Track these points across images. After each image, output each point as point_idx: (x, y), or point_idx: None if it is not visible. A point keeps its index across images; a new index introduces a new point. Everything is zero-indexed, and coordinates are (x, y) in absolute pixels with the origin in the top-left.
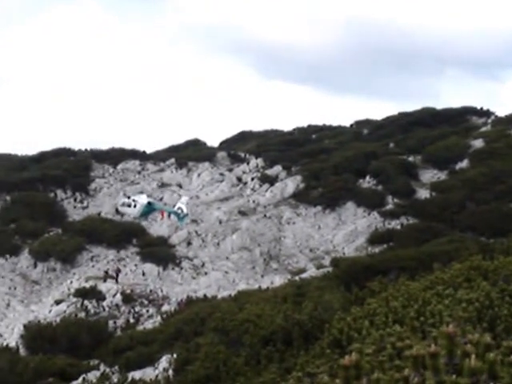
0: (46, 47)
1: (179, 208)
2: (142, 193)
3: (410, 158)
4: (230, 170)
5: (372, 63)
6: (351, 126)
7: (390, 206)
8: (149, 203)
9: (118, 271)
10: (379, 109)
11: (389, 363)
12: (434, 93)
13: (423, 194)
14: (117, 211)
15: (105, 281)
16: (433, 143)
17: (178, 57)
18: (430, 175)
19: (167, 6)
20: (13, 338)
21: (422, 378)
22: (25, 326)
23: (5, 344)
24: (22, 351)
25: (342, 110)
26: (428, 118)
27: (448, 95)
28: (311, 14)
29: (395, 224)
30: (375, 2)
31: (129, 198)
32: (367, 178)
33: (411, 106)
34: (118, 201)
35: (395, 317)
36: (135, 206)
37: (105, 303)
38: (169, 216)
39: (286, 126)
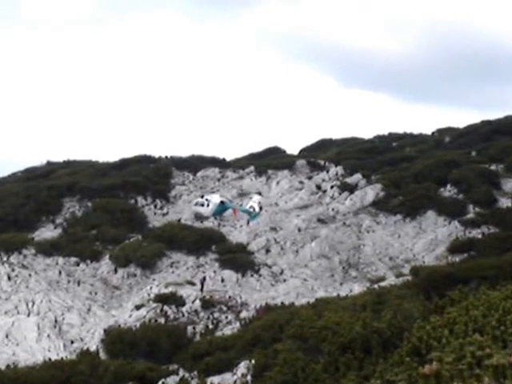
0: (124, 54)
1: (251, 206)
2: (214, 192)
3: (492, 167)
4: (310, 178)
5: (454, 69)
6: (433, 133)
7: (471, 215)
8: (221, 202)
9: (203, 280)
10: (461, 117)
11: (468, 372)
12: None
13: (505, 203)
14: (195, 217)
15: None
16: None
17: (256, 63)
18: None
19: (244, 12)
20: (93, 342)
21: None
22: (105, 331)
23: (85, 348)
24: (103, 355)
25: (423, 117)
26: (511, 127)
27: None
28: (390, 19)
29: (476, 233)
30: (458, 5)
31: (202, 197)
32: (448, 186)
33: (494, 114)
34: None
35: (475, 326)
36: (208, 206)
37: (184, 309)
38: (248, 223)
39: (366, 133)
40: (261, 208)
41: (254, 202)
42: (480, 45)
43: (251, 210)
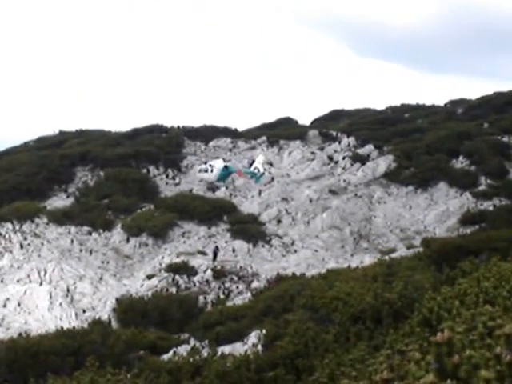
0: (136, 23)
1: (255, 168)
2: (218, 158)
3: (505, 139)
4: (322, 149)
5: (467, 41)
6: (445, 105)
7: (482, 187)
8: (225, 167)
9: (216, 249)
10: (474, 88)
11: (480, 342)
12: None
13: None
14: (208, 189)
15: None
16: None
17: (269, 33)
18: None
19: None
20: (105, 312)
21: None
22: (117, 300)
23: (97, 317)
24: (114, 324)
25: (436, 88)
26: None
27: None
28: None
29: (488, 205)
30: None
31: (205, 163)
32: (460, 158)
33: (507, 85)
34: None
35: (486, 297)
36: (212, 171)
37: (195, 279)
38: (260, 194)
39: (379, 104)
40: (271, 173)
41: (258, 162)
42: (494, 17)
43: (256, 171)
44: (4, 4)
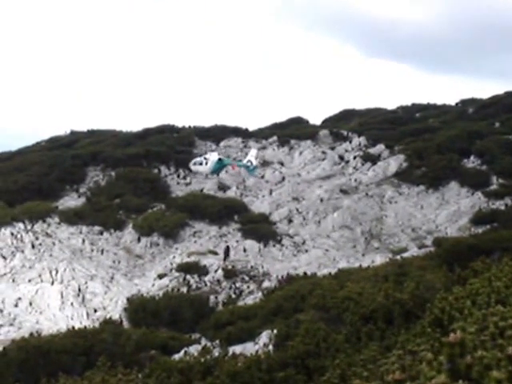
0: (147, 24)
1: (249, 161)
2: (213, 151)
3: None
4: (332, 149)
5: (478, 40)
6: (456, 104)
7: (494, 187)
8: (219, 159)
9: (227, 249)
10: (485, 88)
11: (491, 342)
12: None
13: None
14: (219, 188)
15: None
16: None
17: (279, 33)
18: None
19: None
20: (116, 311)
21: None
22: (128, 299)
23: (108, 316)
24: (125, 324)
25: (446, 88)
26: None
27: None
28: None
29: (499, 204)
30: None
31: (200, 156)
32: (471, 157)
33: None
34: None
35: (498, 297)
36: (206, 164)
37: (206, 278)
38: (270, 193)
39: (390, 104)
40: (281, 172)
41: (251, 156)
42: (505, 15)
43: (249, 164)
44: (15, 7)
